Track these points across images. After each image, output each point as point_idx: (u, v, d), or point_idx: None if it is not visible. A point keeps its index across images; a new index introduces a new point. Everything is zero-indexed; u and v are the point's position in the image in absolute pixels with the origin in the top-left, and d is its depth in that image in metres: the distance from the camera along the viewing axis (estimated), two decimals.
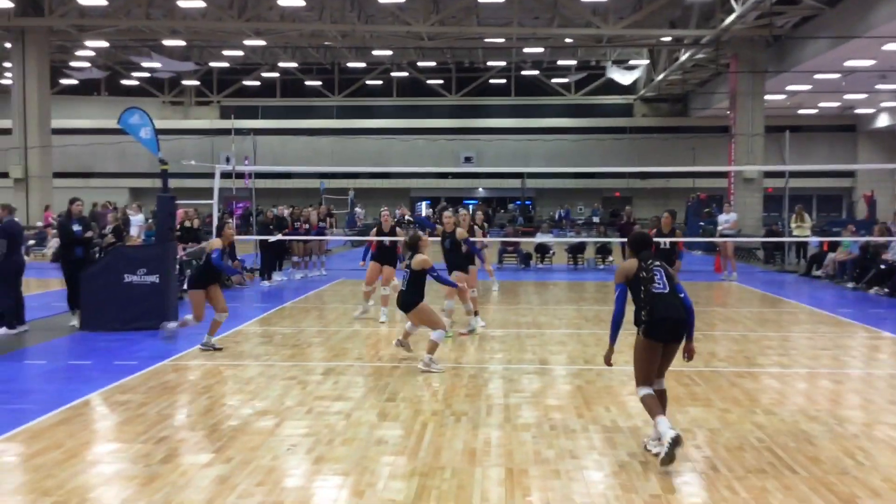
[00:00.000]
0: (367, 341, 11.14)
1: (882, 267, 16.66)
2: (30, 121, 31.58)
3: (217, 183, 12.23)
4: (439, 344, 9.37)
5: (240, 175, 27.50)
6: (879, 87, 35.04)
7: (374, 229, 13.39)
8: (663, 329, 6.07)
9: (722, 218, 21.35)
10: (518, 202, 47.85)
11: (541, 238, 24.26)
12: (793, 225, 21.78)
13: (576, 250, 23.39)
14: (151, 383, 8.56)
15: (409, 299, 9.39)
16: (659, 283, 6.12)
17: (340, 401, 7.86)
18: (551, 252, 23.60)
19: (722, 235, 20.37)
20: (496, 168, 45.21)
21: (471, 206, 26.77)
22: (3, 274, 11.24)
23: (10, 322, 11.31)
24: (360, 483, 5.57)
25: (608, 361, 6.51)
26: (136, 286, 11.59)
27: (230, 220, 15.09)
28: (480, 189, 49.91)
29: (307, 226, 18.47)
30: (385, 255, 12.98)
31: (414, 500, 5.24)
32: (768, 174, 31.41)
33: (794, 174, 27.51)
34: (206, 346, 10.19)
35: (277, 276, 18.70)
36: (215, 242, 10.20)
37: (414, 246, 9.51)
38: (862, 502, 5.17)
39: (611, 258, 23.34)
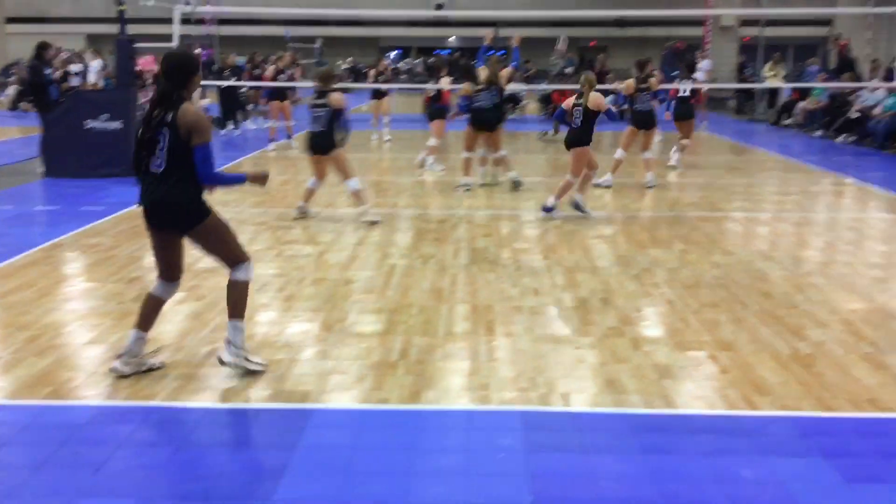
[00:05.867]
0: (335, 189, 11.14)
1: (852, 116, 16.74)
2: None
3: (177, 28, 11.78)
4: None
5: (201, 20, 26.54)
6: None
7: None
8: None
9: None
10: (492, 51, 46.81)
11: (513, 87, 23.90)
12: (767, 73, 21.63)
13: (548, 100, 23.14)
14: (121, 227, 8.59)
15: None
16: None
17: (310, 245, 7.98)
18: (523, 102, 23.33)
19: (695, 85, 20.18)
20: (469, 17, 43.88)
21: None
22: None
23: None
24: (330, 318, 5.74)
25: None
26: (99, 132, 11.39)
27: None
28: (453, 38, 48.61)
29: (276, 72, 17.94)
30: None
31: (382, 333, 5.42)
32: (745, 23, 30.86)
33: (771, 23, 27.06)
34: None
35: (250, 125, 18.49)
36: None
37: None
38: (807, 331, 5.43)
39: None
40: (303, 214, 9.13)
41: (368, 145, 16.72)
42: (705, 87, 20.04)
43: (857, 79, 18.36)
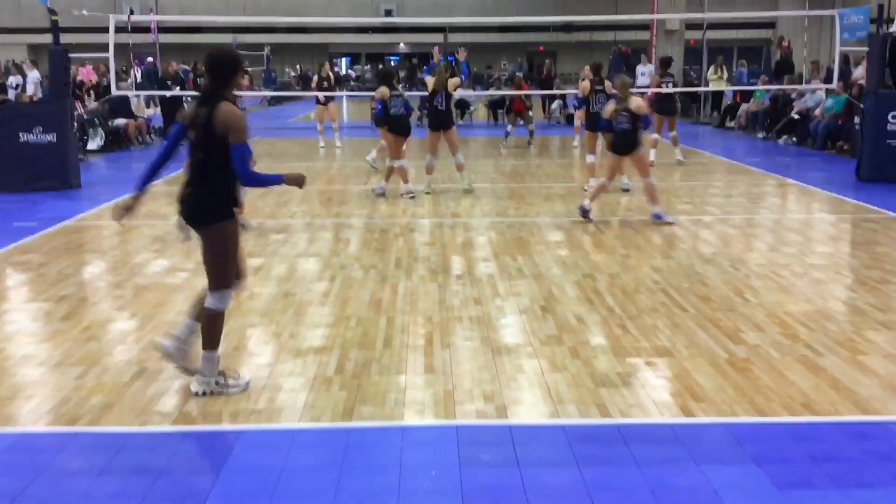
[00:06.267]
0: (280, 199, 11.00)
1: (795, 117, 17.01)
2: None
3: (112, 37, 11.52)
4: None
5: (145, 29, 26.09)
6: None
7: None
8: None
9: (639, 69, 21.34)
10: (441, 58, 46.79)
11: (461, 93, 23.94)
12: (712, 77, 21.92)
13: (496, 106, 23.18)
14: (53, 244, 8.35)
15: None
16: None
17: (250, 257, 7.81)
18: (471, 108, 23.36)
19: (639, 88, 20.40)
20: (418, 23, 43.92)
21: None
22: None
23: None
24: (266, 333, 5.62)
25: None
26: (32, 145, 11.08)
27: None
28: (402, 45, 48.61)
29: None
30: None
31: (318, 348, 5.32)
32: (690, 26, 31.28)
33: (714, 25, 27.50)
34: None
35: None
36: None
37: None
38: (744, 334, 5.45)
39: (531, 113, 23.21)
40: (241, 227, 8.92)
41: (315, 153, 16.58)
42: (684, 89, 20.25)
43: (798, 81, 18.69)
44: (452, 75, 11.32)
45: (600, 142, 11.41)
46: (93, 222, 9.52)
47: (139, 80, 22.34)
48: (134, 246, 8.31)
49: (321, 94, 16.99)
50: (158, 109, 19.25)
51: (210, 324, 4.57)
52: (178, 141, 4.52)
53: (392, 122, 10.91)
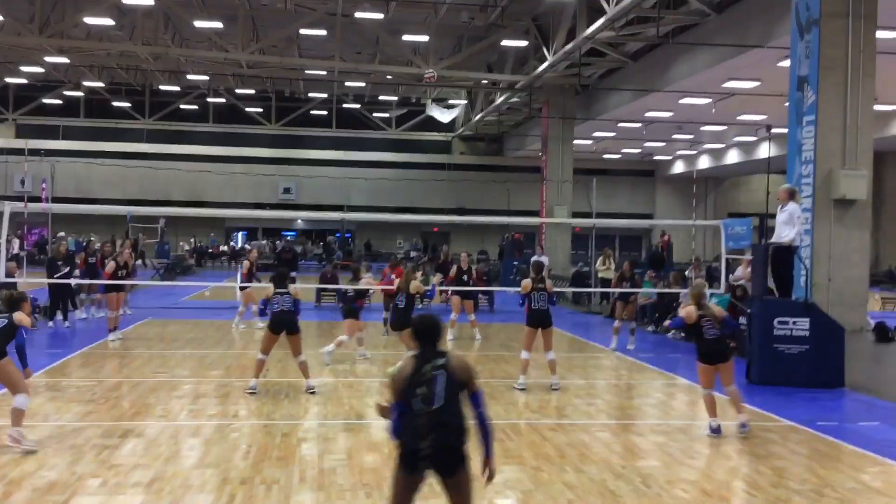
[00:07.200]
0: (174, 394, 10.49)
1: (680, 314, 17.70)
2: None
3: (6, 220, 11.12)
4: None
5: (37, 197, 25.54)
6: (676, 136, 37.92)
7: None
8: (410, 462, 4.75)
9: (534, 259, 22.08)
10: (338, 234, 47.50)
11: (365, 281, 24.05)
12: (600, 267, 22.89)
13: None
14: None
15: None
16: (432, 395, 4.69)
17: (139, 469, 7.28)
18: (371, 291, 23.42)
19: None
20: (316, 201, 44.79)
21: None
22: None
23: None
24: None
25: None
26: None
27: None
28: (300, 221, 49.18)
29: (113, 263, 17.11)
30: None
31: None
32: (576, 214, 33.13)
33: (599, 214, 29.20)
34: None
35: (80, 314, 17.46)
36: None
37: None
38: None
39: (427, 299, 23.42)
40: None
41: (225, 338, 16.02)
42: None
43: (681, 275, 19.68)
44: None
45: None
46: None
47: (19, 250, 21.58)
48: (8, 456, 7.61)
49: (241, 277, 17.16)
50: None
51: None
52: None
53: (271, 319, 10.81)
